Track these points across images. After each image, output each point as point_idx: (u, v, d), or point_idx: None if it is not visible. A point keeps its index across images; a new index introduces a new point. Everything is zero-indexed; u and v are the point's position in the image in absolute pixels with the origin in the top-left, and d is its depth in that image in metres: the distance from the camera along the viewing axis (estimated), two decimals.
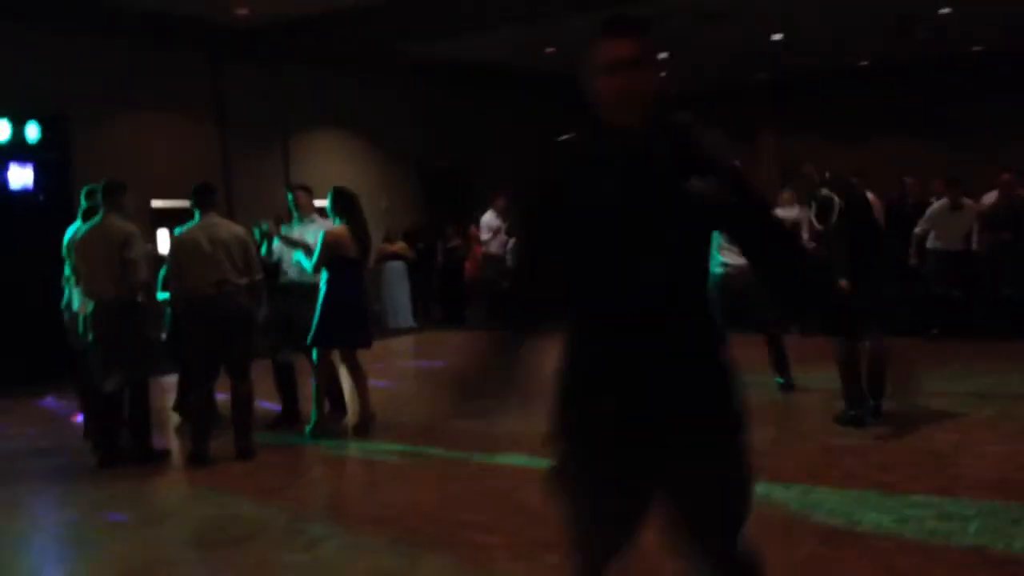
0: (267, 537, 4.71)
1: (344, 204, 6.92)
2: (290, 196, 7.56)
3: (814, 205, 6.22)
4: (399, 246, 14.32)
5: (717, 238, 9.38)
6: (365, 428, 6.94)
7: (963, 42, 17.15)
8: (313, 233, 7.00)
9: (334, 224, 6.86)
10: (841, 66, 18.83)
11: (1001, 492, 4.77)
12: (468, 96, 17.44)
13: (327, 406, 7.08)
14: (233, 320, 6.24)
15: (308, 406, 7.07)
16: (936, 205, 10.44)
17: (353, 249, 6.79)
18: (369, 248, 7.07)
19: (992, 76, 18.15)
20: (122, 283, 6.11)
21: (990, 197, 10.34)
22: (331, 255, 6.71)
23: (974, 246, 10.16)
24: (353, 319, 6.84)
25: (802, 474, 5.27)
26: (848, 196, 6.18)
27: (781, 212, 12.11)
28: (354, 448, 6.68)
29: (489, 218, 13.77)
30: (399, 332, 13.69)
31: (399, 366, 10.98)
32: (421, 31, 13.52)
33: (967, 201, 10.30)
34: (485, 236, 13.81)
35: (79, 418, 7.39)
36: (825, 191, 6.17)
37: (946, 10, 14.33)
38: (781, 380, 7.61)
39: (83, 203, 6.74)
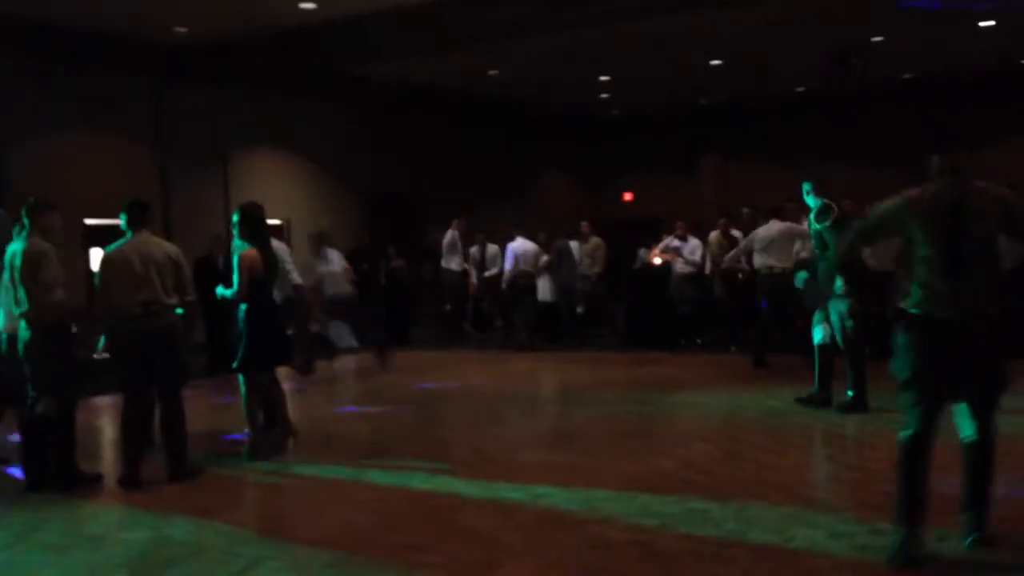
0: (202, 560, 4.63)
1: (252, 225, 6.82)
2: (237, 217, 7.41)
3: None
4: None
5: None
6: (284, 446, 6.92)
7: (895, 69, 17.63)
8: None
9: (245, 247, 6.77)
10: (780, 92, 19.24)
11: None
12: (411, 118, 17.47)
13: (261, 422, 7.03)
14: (160, 340, 6.15)
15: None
16: None
17: (262, 271, 6.75)
18: (275, 267, 6.99)
19: (923, 103, 18.67)
20: (39, 305, 5.95)
21: None
22: (252, 278, 6.67)
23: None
24: (274, 339, 6.84)
25: (739, 491, 5.35)
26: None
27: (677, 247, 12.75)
28: (293, 469, 6.61)
29: (449, 238, 14.40)
30: (342, 352, 13.58)
31: (340, 387, 10.90)
32: (363, 53, 13.53)
33: None
34: (445, 253, 14.40)
35: (14, 438, 7.21)
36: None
37: (878, 38, 14.75)
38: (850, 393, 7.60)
39: (25, 222, 6.58)
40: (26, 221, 6.19)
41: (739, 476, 5.77)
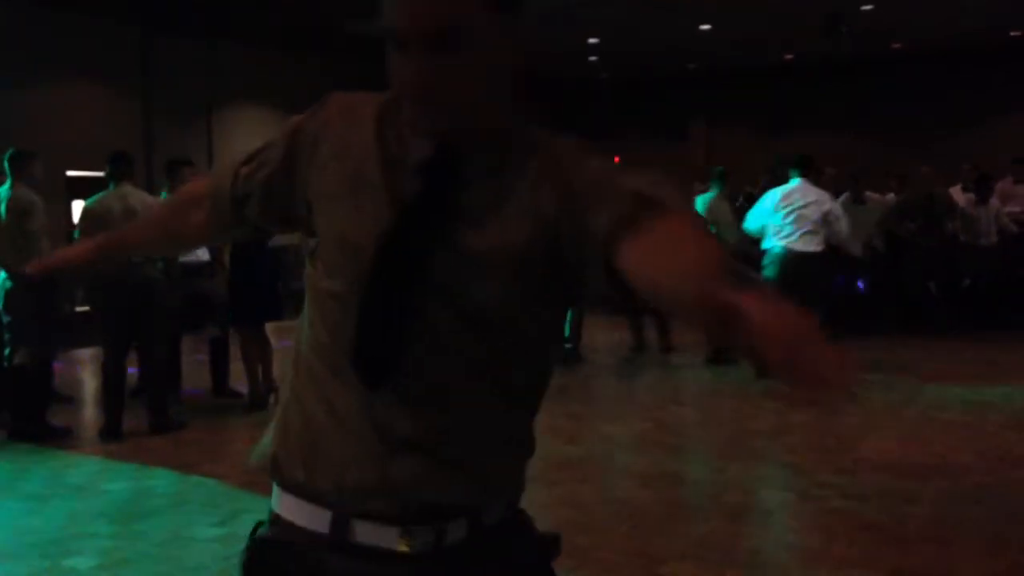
0: (181, 511, 4.69)
1: None
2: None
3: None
4: None
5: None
6: (263, 401, 6.96)
7: (884, 40, 17.62)
8: None
9: None
10: (768, 60, 19.20)
11: (899, 472, 4.98)
12: None
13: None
14: (140, 294, 6.14)
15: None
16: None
17: None
18: None
19: (912, 74, 18.69)
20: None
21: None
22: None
23: (873, 240, 10.26)
24: (261, 295, 6.88)
25: (715, 453, 5.44)
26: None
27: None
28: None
29: None
30: None
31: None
32: (356, 7, 13.39)
33: (871, 195, 10.52)
34: None
35: None
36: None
37: (868, 7, 14.71)
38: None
39: (7, 170, 6.55)
40: (8, 169, 6.17)
41: (718, 439, 5.86)
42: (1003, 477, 4.90)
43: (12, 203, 6.02)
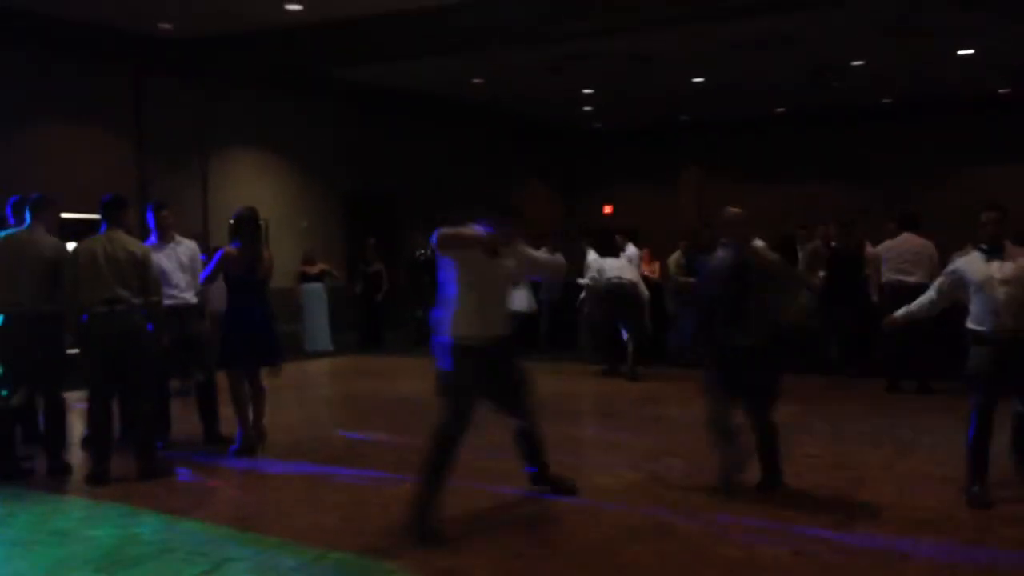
0: (168, 559, 4.62)
1: (238, 227, 7.01)
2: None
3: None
4: (319, 267, 14.20)
5: None
6: (252, 447, 6.92)
7: (874, 94, 17.87)
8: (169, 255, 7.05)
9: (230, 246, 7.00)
10: (760, 110, 19.44)
11: (895, 526, 4.95)
12: (395, 123, 17.48)
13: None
14: (125, 339, 6.13)
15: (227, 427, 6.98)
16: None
17: (240, 271, 6.87)
18: (256, 265, 6.95)
19: (901, 126, 18.96)
20: (41, 296, 6.11)
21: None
22: (226, 275, 6.90)
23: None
24: (255, 339, 6.88)
25: (712, 506, 5.39)
26: None
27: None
28: (263, 471, 6.60)
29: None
30: (317, 355, 13.57)
31: (315, 389, 10.88)
32: (348, 56, 13.53)
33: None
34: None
35: None
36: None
37: (858, 63, 14.93)
38: None
39: (27, 214, 6.55)
40: (27, 213, 6.32)
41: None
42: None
43: (38, 245, 6.22)
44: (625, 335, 10.91)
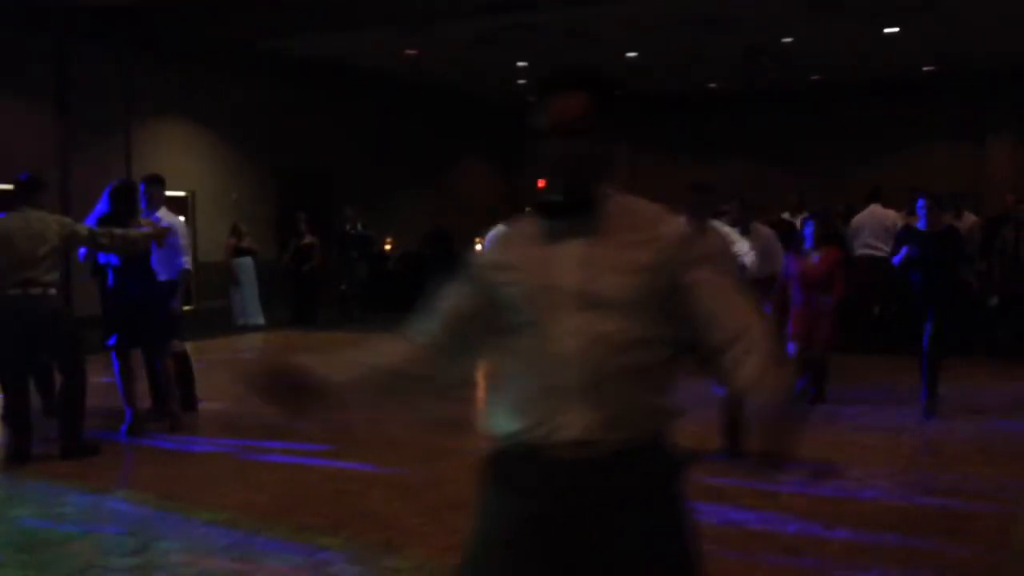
0: (94, 539, 4.53)
1: (116, 200, 6.69)
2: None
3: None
4: (247, 241, 13.96)
5: None
6: (140, 428, 6.74)
7: (804, 72, 18.12)
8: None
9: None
10: (693, 88, 19.58)
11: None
12: (324, 95, 17.23)
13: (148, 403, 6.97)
14: (41, 321, 5.97)
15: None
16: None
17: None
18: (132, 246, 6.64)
19: (829, 106, 19.27)
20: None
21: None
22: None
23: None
24: (136, 318, 6.65)
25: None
26: None
27: None
28: (192, 447, 6.50)
29: None
30: (247, 329, 13.38)
31: (245, 363, 10.73)
32: (279, 26, 13.28)
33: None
34: None
35: None
36: None
37: (788, 39, 15.13)
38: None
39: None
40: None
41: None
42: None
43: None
44: None
